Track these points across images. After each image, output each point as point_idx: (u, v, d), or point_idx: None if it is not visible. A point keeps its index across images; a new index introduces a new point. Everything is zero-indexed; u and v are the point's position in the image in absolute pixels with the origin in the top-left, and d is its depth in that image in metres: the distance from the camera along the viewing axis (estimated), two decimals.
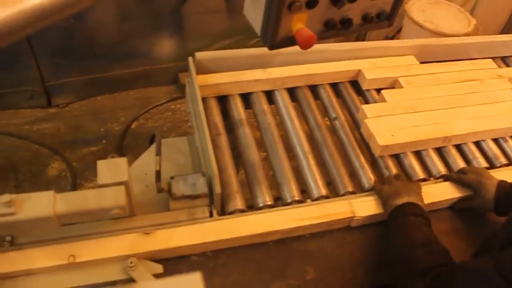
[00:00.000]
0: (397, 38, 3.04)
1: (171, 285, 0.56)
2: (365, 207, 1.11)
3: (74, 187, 2.24)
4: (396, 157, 1.27)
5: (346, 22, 0.96)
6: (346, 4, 0.92)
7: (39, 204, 0.89)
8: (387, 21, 1.04)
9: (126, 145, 2.44)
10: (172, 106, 2.66)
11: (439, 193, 1.18)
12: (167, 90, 2.75)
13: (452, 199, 1.18)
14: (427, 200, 1.11)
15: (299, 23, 0.91)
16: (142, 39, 2.54)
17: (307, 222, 1.05)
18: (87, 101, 2.66)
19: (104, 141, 2.46)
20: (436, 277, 0.86)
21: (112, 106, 2.63)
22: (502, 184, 1.12)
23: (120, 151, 2.39)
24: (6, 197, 0.86)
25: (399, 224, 1.01)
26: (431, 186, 1.18)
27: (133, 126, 2.54)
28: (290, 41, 0.92)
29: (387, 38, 3.04)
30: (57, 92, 2.57)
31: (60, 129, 2.50)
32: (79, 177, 2.29)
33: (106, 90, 2.68)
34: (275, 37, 0.91)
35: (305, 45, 0.90)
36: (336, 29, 0.97)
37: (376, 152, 1.24)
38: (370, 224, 1.13)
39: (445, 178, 1.21)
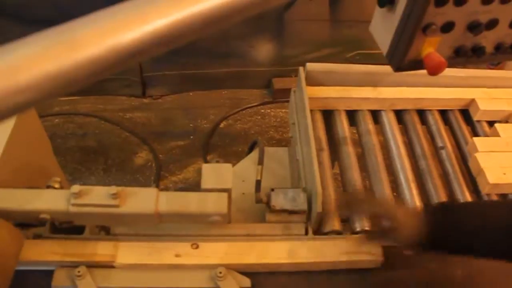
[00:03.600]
0: (501, 67, 2.88)
1: None
2: None
3: (158, 178, 2.28)
4: (503, 197, 1.18)
5: (478, 50, 0.90)
6: (483, 32, 0.86)
7: (142, 200, 0.89)
8: None
9: (212, 144, 2.46)
10: (262, 110, 2.65)
11: None
12: (259, 94, 2.74)
13: None
14: None
15: (430, 47, 0.86)
16: (241, 41, 2.55)
17: None
18: (179, 95, 2.70)
19: (191, 137, 2.49)
20: None
21: (203, 103, 2.66)
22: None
23: (206, 149, 2.41)
24: (113, 189, 0.87)
25: None
26: None
27: (221, 125, 2.55)
28: (418, 64, 0.87)
29: (491, 65, 2.88)
30: (153, 83, 2.64)
31: (151, 119, 2.56)
32: (163, 170, 2.33)
33: (199, 87, 2.71)
34: (403, 58, 0.86)
35: (435, 71, 0.84)
36: (467, 57, 0.91)
37: (484, 190, 1.16)
38: None
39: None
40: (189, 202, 0.90)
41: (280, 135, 2.51)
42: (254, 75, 2.71)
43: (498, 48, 0.93)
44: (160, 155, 2.39)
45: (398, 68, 0.89)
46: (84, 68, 0.38)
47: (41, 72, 0.36)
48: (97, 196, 0.88)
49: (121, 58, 0.40)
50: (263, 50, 2.64)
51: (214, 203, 0.89)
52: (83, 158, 2.31)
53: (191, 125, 2.54)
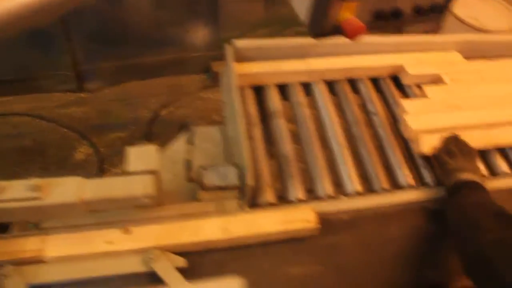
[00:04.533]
0: (436, 30, 2.94)
1: None
2: None
3: (101, 172, 2.23)
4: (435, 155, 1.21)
5: (397, 14, 0.91)
6: None
7: (66, 189, 0.86)
8: (439, 14, 0.99)
9: (155, 132, 2.42)
10: (203, 95, 2.62)
11: None
12: (199, 79, 2.71)
13: None
14: None
15: (348, 12, 0.86)
16: (176, 27, 2.51)
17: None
18: (117, 87, 2.64)
19: (133, 127, 2.44)
20: None
21: (142, 93, 2.61)
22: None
23: (149, 138, 2.37)
24: (33, 181, 0.84)
25: (463, 196, 1.00)
26: None
27: (162, 113, 2.51)
28: (337, 30, 0.87)
29: (425, 33, 2.94)
30: (89, 76, 2.57)
31: (89, 113, 2.49)
32: (106, 163, 2.28)
33: (137, 77, 2.66)
34: (321, 25, 0.86)
35: (353, 35, 0.85)
36: (385, 20, 0.92)
37: (416, 150, 1.18)
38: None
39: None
40: (116, 187, 0.87)
41: (222, 118, 2.48)
42: (192, 60, 2.67)
43: (417, 10, 0.94)
44: (101, 149, 2.33)
45: (317, 35, 0.89)
46: None
47: None
48: (17, 190, 0.85)
49: None
50: (199, 34, 2.61)
51: (141, 186, 0.87)
52: (20, 159, 2.23)
53: (131, 115, 2.49)
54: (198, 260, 0.95)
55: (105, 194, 0.86)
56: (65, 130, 2.37)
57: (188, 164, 1.00)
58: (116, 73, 2.59)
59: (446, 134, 1.15)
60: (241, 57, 1.24)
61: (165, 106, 2.54)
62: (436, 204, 1.11)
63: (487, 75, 1.37)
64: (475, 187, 1.01)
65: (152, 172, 0.88)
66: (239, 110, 1.06)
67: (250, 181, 0.94)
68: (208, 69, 2.71)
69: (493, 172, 1.21)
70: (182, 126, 1.22)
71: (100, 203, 0.87)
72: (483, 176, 1.12)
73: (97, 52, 2.49)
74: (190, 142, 1.04)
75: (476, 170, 1.07)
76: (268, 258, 0.98)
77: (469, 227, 0.92)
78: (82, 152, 2.32)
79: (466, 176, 1.03)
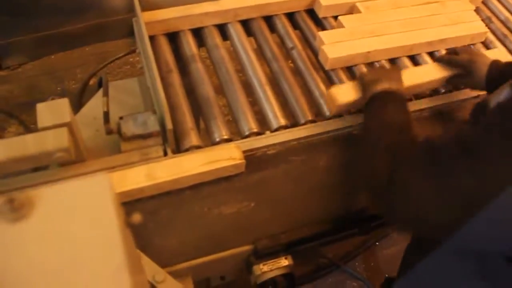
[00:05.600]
0: None
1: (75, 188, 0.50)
2: None
3: None
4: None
5: None
6: None
7: None
8: None
9: (86, 103, 2.34)
10: (131, 59, 2.55)
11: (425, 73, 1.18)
12: (124, 43, 2.60)
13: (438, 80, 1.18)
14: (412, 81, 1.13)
15: None
16: None
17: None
18: (40, 60, 2.50)
19: None
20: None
21: (67, 64, 2.50)
22: (495, 63, 1.08)
23: (79, 109, 2.30)
24: None
25: (375, 110, 0.97)
26: (416, 68, 1.23)
27: (91, 82, 2.43)
28: None
29: None
30: (6, 53, 2.43)
31: (13, 91, 2.38)
32: None
33: (59, 48, 2.53)
34: None
35: None
36: None
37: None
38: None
39: (436, 59, 1.23)
40: (27, 144, 0.84)
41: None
42: (115, 24, 2.56)
43: None
44: (32, 126, 2.24)
45: None
46: None
47: None
48: None
49: None
50: None
51: (53, 140, 0.84)
52: None
53: (58, 88, 2.40)
54: (129, 211, 0.93)
55: (16, 152, 0.82)
56: None
57: (105, 116, 0.98)
58: (36, 46, 2.46)
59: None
60: (151, 5, 1.21)
61: (93, 75, 2.45)
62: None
63: (400, 0, 1.39)
64: (387, 98, 0.97)
65: (64, 125, 0.85)
66: (151, 57, 1.04)
67: (169, 124, 0.93)
68: (133, 32, 2.63)
69: None
70: (99, 82, 1.19)
71: (13, 163, 0.83)
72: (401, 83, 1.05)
73: (11, 25, 2.36)
74: (104, 93, 1.01)
75: (392, 78, 1.01)
76: (198, 201, 0.98)
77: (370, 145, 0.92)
78: (12, 131, 2.23)
79: (381, 86, 0.98)
